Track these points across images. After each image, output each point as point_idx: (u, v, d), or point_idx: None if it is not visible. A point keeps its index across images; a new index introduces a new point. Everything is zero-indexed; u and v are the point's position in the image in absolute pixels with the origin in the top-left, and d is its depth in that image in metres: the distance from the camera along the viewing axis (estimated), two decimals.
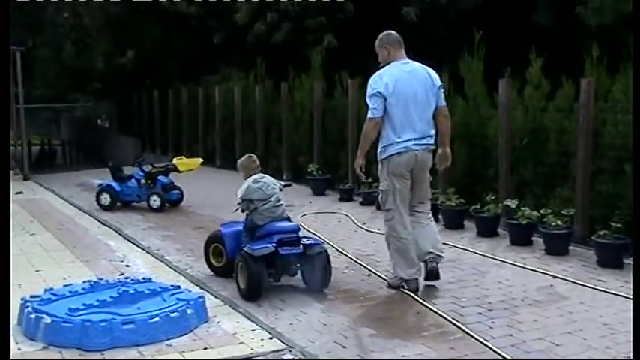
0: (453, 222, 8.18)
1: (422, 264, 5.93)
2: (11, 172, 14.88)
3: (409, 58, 5.99)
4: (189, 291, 5.55)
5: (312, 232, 8.20)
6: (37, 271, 6.68)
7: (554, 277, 6.13)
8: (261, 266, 5.67)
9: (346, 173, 11.13)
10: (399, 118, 5.71)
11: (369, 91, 5.78)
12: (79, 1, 21.32)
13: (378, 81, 5.76)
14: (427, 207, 6.06)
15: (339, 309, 5.50)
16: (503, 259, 6.73)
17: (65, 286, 5.54)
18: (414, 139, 5.73)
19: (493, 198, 7.91)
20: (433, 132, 5.90)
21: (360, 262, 6.83)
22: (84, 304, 4.92)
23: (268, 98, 13.93)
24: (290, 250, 5.72)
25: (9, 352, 3.53)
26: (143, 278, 5.80)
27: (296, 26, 13.87)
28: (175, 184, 10.35)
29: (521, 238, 7.31)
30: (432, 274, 5.91)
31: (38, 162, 21.44)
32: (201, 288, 5.95)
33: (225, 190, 11.00)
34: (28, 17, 23.39)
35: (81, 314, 4.76)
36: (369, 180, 9.81)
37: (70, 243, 7.89)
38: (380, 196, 6.09)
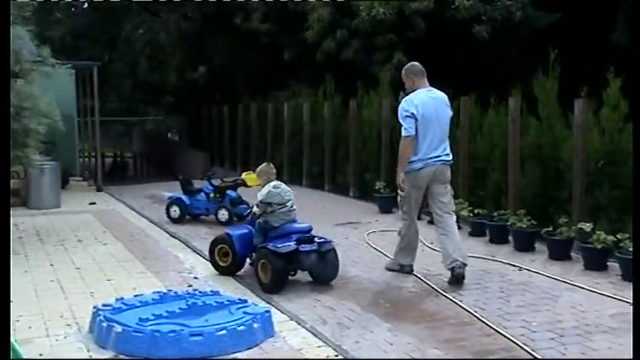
0: (523, 244, 8.00)
1: (449, 270, 6.67)
2: (85, 183, 15.37)
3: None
4: (256, 305, 5.56)
5: (378, 250, 8.16)
6: (108, 280, 6.82)
7: (630, 304, 5.92)
8: (284, 262, 6.42)
9: None
10: (424, 138, 6.67)
11: (403, 113, 6.71)
12: (155, 18, 21.96)
13: (410, 105, 6.70)
14: (453, 218, 6.93)
15: (406, 329, 5.43)
16: (576, 284, 6.53)
17: (135, 296, 5.64)
18: (435, 157, 6.72)
19: (566, 220, 7.71)
20: (449, 150, 6.87)
21: (427, 281, 6.74)
22: (154, 315, 4.99)
23: (336, 115, 13.97)
24: (307, 247, 6.48)
25: (9, 352, 3.59)
26: (211, 291, 5.85)
27: (365, 44, 13.88)
28: (243, 198, 10.45)
29: (595, 262, 7.09)
30: (459, 280, 6.60)
31: (111, 174, 22.03)
32: (268, 302, 5.97)
33: None
34: (105, 33, 24.18)
35: (151, 324, 4.83)
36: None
37: (140, 254, 8.04)
38: (399, 200, 7.06)
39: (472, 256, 7.74)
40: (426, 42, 13.26)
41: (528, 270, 7.10)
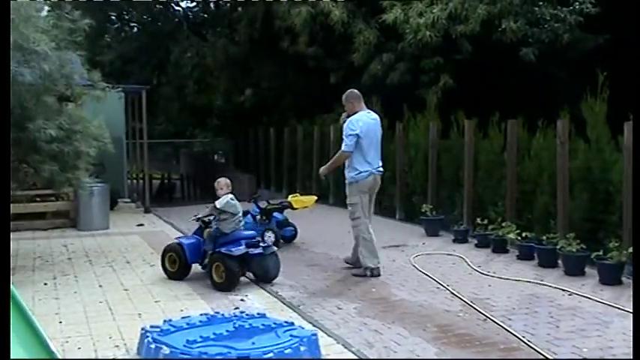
0: (573, 268, 7.84)
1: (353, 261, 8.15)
2: (133, 205, 15.59)
3: None
4: (303, 328, 5.55)
5: (424, 274, 8.10)
6: (155, 302, 6.89)
7: None
8: (237, 264, 7.33)
9: (461, 214, 10.95)
10: (367, 152, 8.01)
11: (349, 131, 7.96)
12: (203, 42, 22.32)
13: (355, 125, 7.97)
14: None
15: (454, 354, 5.36)
16: (628, 310, 6.37)
17: (183, 318, 5.67)
18: (375, 167, 8.14)
19: (617, 245, 7.55)
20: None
21: (474, 306, 6.65)
22: (201, 337, 5.01)
23: (383, 137, 13.91)
24: (255, 250, 7.46)
25: (9, 352, 3.62)
26: (258, 314, 5.85)
27: (412, 66, 13.86)
28: (289, 220, 10.47)
29: None
30: (359, 273, 8.05)
31: (158, 195, 22.30)
32: (314, 326, 5.96)
33: (338, 228, 11.07)
34: (154, 57, 24.66)
35: (198, 347, 4.85)
36: (485, 222, 9.71)
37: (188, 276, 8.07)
38: (350, 208, 8.18)
39: (520, 280, 7.65)
40: (472, 64, 13.19)
41: (578, 295, 6.96)
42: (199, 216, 8.03)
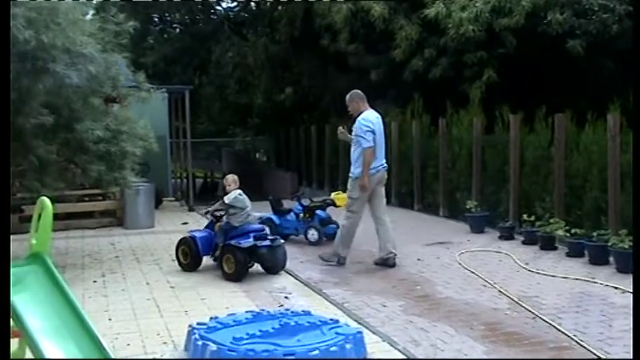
0: (625, 265, 7.65)
1: (383, 259, 8.41)
2: (177, 203, 15.73)
3: None
4: (348, 326, 5.51)
5: (470, 271, 8.00)
6: (202, 299, 6.92)
7: None
8: (245, 255, 7.66)
9: (507, 210, 10.80)
10: (376, 149, 8.32)
11: (365, 128, 8.26)
12: (244, 42, 22.44)
13: (369, 122, 8.32)
14: (386, 216, 8.62)
15: (502, 352, 5.28)
16: None
17: (229, 315, 5.68)
18: (381, 163, 8.46)
19: None
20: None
21: (522, 304, 6.54)
22: (247, 334, 5.01)
23: (425, 133, 13.84)
24: (263, 243, 7.79)
25: (9, 353, 3.63)
26: (302, 311, 5.84)
27: (454, 61, 13.72)
28: (332, 218, 10.45)
29: None
30: (387, 265, 8.38)
31: (201, 194, 22.47)
32: (359, 323, 5.92)
33: None
34: (196, 58, 24.87)
35: (245, 344, 4.85)
36: (531, 218, 9.56)
37: None
38: (349, 200, 8.56)
39: (570, 278, 7.50)
40: (517, 58, 13.00)
41: (631, 293, 6.79)
42: (210, 210, 8.41)
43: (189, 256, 8.26)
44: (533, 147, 10.59)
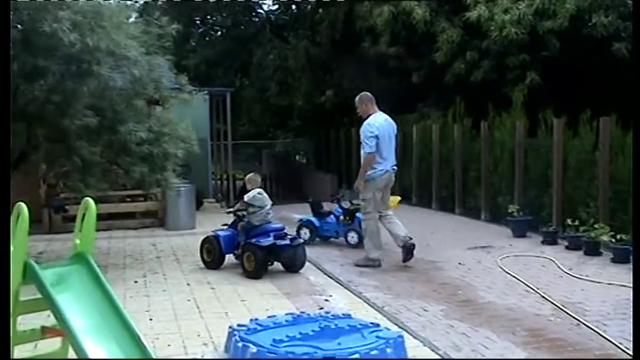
0: None
1: (401, 248, 8.60)
2: (217, 205, 15.83)
3: None
4: (389, 329, 5.47)
5: (512, 276, 7.90)
6: (242, 301, 6.94)
7: None
8: (265, 254, 7.87)
9: (550, 215, 10.64)
10: (382, 151, 8.49)
11: (368, 134, 8.46)
12: (285, 45, 22.53)
13: (373, 127, 8.49)
14: (390, 211, 8.89)
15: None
16: None
17: (269, 317, 5.68)
18: (390, 165, 8.64)
19: None
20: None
21: (566, 310, 6.43)
22: (287, 336, 5.00)
23: (466, 137, 13.72)
24: (282, 242, 7.99)
25: (9, 353, 3.64)
26: (343, 314, 5.81)
27: (496, 64, 13.59)
28: None
29: None
30: (411, 251, 8.58)
31: (242, 195, 22.56)
32: (400, 327, 5.87)
33: (422, 228, 10.96)
34: (237, 60, 25.06)
35: (285, 346, 4.85)
36: (575, 223, 9.40)
37: (271, 275, 8.11)
38: (363, 202, 8.77)
39: (615, 284, 7.36)
40: (560, 61, 12.82)
41: None
42: (232, 210, 8.65)
43: (212, 253, 8.48)
44: (577, 151, 10.44)
